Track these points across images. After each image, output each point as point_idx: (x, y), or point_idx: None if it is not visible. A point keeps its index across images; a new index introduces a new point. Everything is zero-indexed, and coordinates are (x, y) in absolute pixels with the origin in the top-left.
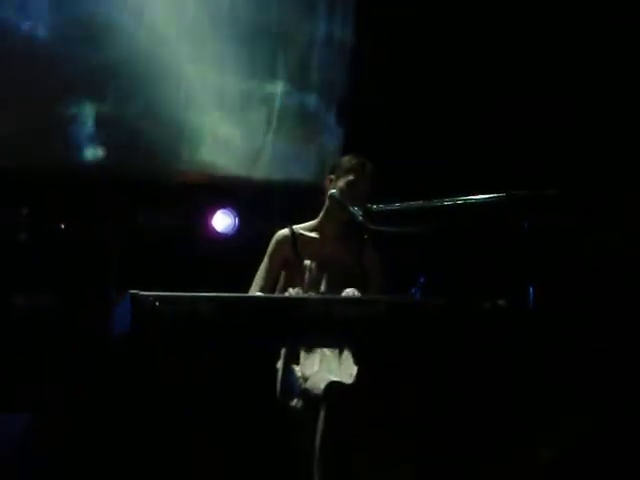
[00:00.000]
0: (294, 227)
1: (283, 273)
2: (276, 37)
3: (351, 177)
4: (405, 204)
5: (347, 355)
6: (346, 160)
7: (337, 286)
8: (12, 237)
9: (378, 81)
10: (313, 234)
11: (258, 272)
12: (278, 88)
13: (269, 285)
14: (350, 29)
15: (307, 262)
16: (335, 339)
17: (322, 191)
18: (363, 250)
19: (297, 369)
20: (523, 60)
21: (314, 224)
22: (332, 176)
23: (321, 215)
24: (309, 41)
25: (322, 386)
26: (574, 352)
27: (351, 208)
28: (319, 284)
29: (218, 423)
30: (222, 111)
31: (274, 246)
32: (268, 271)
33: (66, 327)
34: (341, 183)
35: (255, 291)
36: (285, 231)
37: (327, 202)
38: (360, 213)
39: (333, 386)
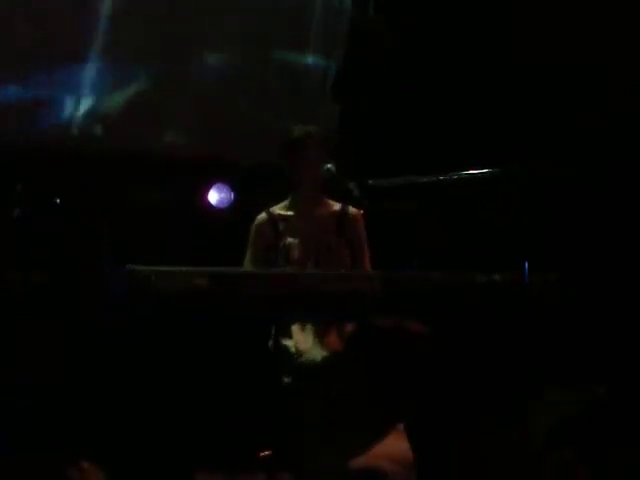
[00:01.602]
0: (270, 209)
1: (267, 256)
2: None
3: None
4: (400, 179)
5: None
6: (299, 134)
7: (323, 261)
8: (6, 213)
9: (374, 57)
10: (290, 212)
11: (244, 262)
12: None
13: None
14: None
15: (289, 241)
16: (329, 314)
17: (289, 169)
18: (345, 223)
19: (290, 345)
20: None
21: (289, 203)
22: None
23: (295, 192)
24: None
25: (319, 359)
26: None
27: (349, 184)
28: (305, 261)
29: (210, 400)
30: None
31: (254, 232)
32: (253, 259)
33: (59, 303)
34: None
35: None
36: (263, 215)
37: (299, 180)
38: (355, 188)
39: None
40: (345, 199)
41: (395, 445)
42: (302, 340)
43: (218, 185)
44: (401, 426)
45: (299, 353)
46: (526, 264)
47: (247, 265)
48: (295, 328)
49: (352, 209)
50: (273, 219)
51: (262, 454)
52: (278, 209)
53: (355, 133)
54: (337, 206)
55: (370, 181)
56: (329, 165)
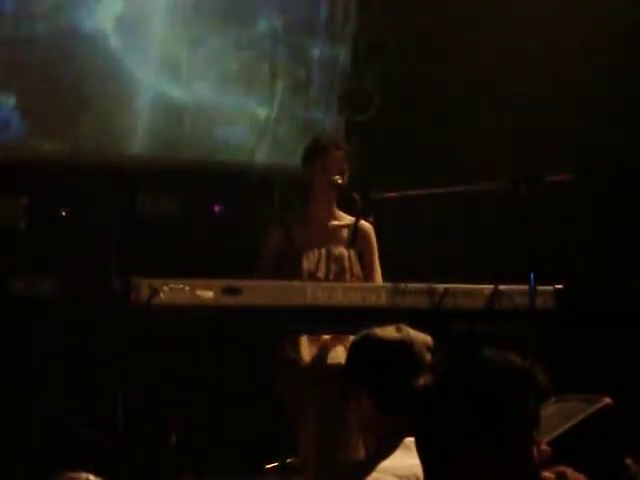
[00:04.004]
0: (284, 216)
1: (279, 262)
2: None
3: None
4: (406, 192)
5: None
6: (319, 144)
7: (334, 272)
8: (12, 225)
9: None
10: (304, 221)
11: (256, 267)
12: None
13: (269, 277)
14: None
15: (301, 250)
16: (337, 326)
17: (306, 179)
18: (357, 235)
19: (297, 355)
20: None
21: (303, 212)
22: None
23: (310, 202)
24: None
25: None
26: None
27: (354, 195)
28: (316, 270)
29: (217, 411)
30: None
31: (268, 238)
32: (266, 265)
33: (68, 313)
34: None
35: None
36: (277, 221)
37: (316, 188)
38: (360, 200)
39: None
40: (350, 210)
41: (401, 460)
42: (308, 352)
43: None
44: (407, 440)
45: (305, 363)
46: (532, 275)
47: (259, 269)
48: (303, 341)
49: (364, 223)
50: (286, 226)
51: (269, 466)
52: (292, 217)
53: (360, 144)
54: (349, 219)
55: (375, 194)
56: (337, 176)
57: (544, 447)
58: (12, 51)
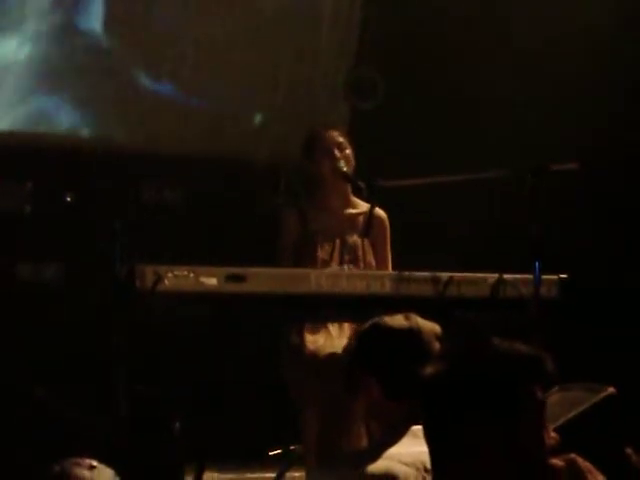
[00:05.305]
0: (300, 203)
1: (294, 249)
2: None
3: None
4: (410, 180)
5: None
6: (313, 131)
7: (348, 260)
8: (17, 210)
9: (380, 56)
10: (319, 210)
11: (277, 252)
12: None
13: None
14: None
15: (315, 237)
16: (341, 313)
17: (308, 170)
18: (371, 224)
19: (301, 343)
20: None
21: (318, 200)
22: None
23: (320, 192)
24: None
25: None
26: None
27: (358, 182)
28: (330, 260)
29: (220, 398)
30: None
31: (284, 224)
32: (285, 249)
33: (70, 300)
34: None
35: None
36: (292, 210)
37: (322, 177)
38: (364, 188)
39: None
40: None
41: (408, 448)
42: (313, 340)
43: None
44: (414, 428)
45: (310, 352)
46: (537, 264)
47: (279, 254)
48: (307, 333)
49: (379, 211)
50: (302, 212)
51: (272, 452)
52: (306, 203)
53: (366, 132)
54: (365, 206)
55: (379, 182)
56: (341, 163)
57: (553, 435)
58: None
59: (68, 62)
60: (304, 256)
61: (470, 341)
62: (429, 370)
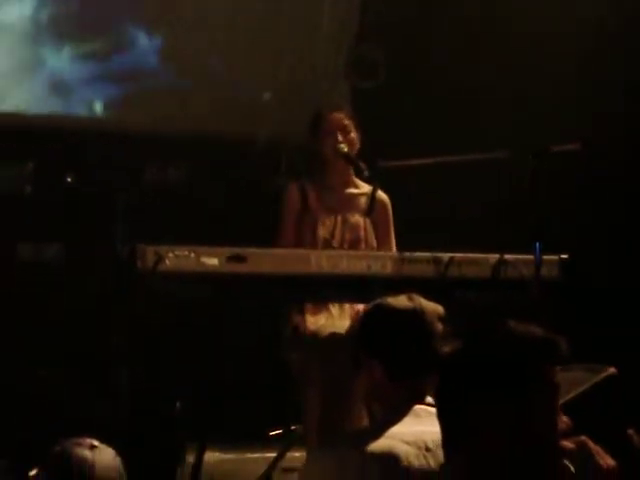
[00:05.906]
0: (302, 181)
1: (295, 226)
2: None
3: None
4: (412, 161)
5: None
6: (318, 112)
7: (349, 240)
8: (18, 190)
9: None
10: (320, 188)
11: (277, 231)
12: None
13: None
14: None
15: (317, 216)
16: (342, 294)
17: (312, 148)
18: (373, 205)
19: (302, 324)
20: None
21: (319, 178)
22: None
23: (322, 171)
24: None
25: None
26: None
27: (360, 163)
28: (332, 238)
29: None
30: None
31: (285, 200)
32: (286, 226)
33: (71, 281)
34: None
35: None
36: (293, 186)
37: (324, 157)
38: (366, 169)
39: None
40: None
41: (410, 427)
42: (313, 321)
43: None
44: (416, 407)
45: (310, 332)
46: (537, 245)
47: (279, 233)
48: (308, 314)
49: (382, 194)
50: (303, 188)
51: (273, 433)
52: (307, 181)
53: (367, 112)
54: (367, 188)
55: (382, 162)
56: (342, 145)
57: (565, 419)
58: None
59: None
60: (305, 234)
61: (485, 322)
62: (446, 349)
